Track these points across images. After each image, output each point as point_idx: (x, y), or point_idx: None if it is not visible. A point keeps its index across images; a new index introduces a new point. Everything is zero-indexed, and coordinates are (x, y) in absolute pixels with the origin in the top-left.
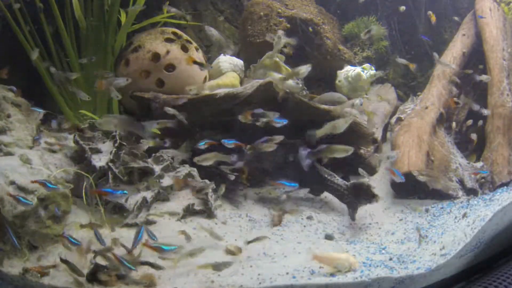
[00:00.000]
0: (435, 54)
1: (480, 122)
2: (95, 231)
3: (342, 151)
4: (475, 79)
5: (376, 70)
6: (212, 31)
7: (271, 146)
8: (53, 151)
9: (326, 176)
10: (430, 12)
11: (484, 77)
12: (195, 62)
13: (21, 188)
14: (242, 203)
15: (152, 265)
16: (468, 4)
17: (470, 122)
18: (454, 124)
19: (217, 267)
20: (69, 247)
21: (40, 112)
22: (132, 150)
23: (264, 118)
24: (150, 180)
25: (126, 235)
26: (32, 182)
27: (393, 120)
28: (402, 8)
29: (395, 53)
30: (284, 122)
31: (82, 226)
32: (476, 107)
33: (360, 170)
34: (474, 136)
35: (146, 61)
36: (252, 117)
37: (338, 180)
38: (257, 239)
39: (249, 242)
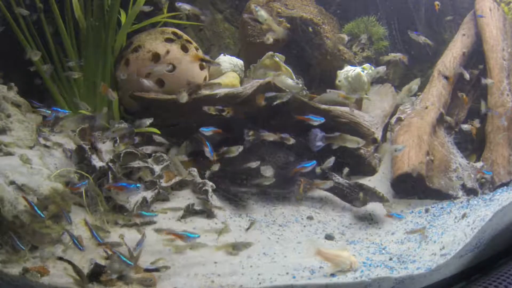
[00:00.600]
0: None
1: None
2: (91, 229)
3: (354, 142)
4: (478, 80)
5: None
6: (184, 5)
7: (272, 136)
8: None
9: (327, 175)
10: (436, 2)
11: (489, 81)
12: (202, 60)
13: (21, 188)
14: (242, 203)
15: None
16: (468, 4)
17: (477, 124)
18: (449, 118)
19: (237, 246)
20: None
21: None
22: (132, 150)
23: (277, 100)
24: (144, 171)
25: (126, 235)
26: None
27: (393, 120)
28: None
29: (395, 53)
30: (322, 120)
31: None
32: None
33: (345, 170)
34: (466, 127)
35: (146, 61)
36: (265, 101)
37: (339, 179)
38: (252, 225)
39: (247, 229)
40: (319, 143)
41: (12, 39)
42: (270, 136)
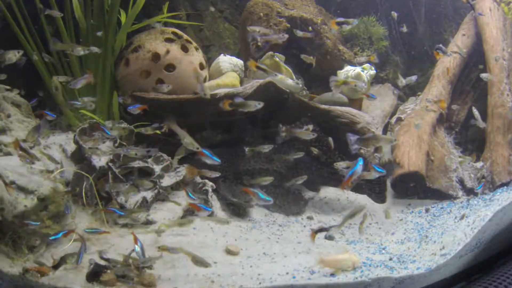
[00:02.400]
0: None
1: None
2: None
3: (387, 141)
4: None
5: (376, 70)
6: None
7: (305, 134)
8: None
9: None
10: None
11: (489, 77)
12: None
13: (21, 188)
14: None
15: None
16: (468, 4)
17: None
18: (440, 108)
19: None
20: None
21: (53, 117)
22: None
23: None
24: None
25: (126, 235)
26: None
27: (393, 120)
28: None
29: (395, 53)
30: (383, 172)
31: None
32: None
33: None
34: (429, 99)
35: (146, 61)
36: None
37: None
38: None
39: None
40: (355, 146)
41: (12, 39)
42: (303, 134)
